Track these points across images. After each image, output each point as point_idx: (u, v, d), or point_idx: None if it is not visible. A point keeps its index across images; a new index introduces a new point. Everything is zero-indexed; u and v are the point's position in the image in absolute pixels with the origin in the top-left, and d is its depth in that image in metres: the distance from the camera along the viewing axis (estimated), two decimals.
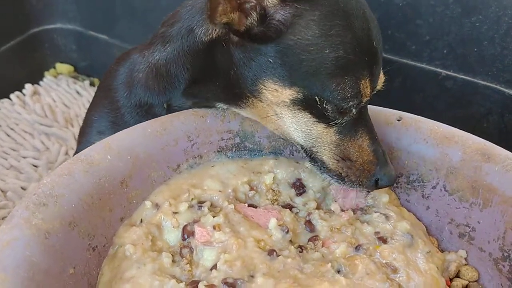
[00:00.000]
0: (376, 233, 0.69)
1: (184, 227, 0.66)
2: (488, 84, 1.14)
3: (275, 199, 0.73)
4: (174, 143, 0.72)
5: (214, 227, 0.66)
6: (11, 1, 1.44)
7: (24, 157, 1.31)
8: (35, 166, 1.28)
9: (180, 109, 0.76)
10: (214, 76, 0.70)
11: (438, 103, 1.20)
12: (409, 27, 1.14)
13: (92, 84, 1.62)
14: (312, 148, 0.68)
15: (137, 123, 0.74)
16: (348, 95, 0.61)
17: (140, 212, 0.69)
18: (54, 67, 1.64)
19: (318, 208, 0.72)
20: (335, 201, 0.74)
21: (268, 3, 0.61)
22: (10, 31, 1.48)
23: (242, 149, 0.77)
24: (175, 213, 0.67)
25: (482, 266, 0.70)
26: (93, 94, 1.53)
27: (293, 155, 0.78)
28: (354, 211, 0.73)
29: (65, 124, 1.43)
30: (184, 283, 0.60)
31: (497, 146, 0.70)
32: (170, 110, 0.77)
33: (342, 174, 0.66)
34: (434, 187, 0.73)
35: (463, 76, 1.15)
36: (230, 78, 0.67)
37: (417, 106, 1.23)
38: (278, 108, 0.66)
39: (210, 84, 0.72)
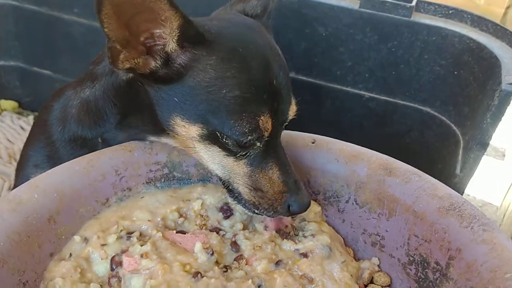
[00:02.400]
0: (297, 249, 0.74)
1: (112, 258, 0.69)
2: (407, 103, 1.24)
3: (204, 224, 0.77)
4: (102, 178, 0.76)
5: (141, 255, 0.69)
6: None
7: None
8: None
9: (115, 141, 0.80)
10: (140, 111, 0.75)
11: (365, 123, 1.30)
12: (333, 54, 1.23)
13: None
14: (228, 179, 0.73)
15: (72, 157, 0.78)
16: (246, 131, 0.66)
17: (69, 246, 0.71)
18: None
19: (244, 228, 0.77)
20: (262, 222, 0.79)
21: (169, 48, 0.66)
22: None
23: (171, 179, 0.81)
24: (103, 245, 0.70)
25: (393, 271, 0.76)
26: None
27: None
28: (279, 230, 0.78)
29: (9, 160, 1.43)
30: None
31: (398, 161, 0.77)
32: (105, 143, 0.81)
33: (256, 203, 0.71)
34: (347, 201, 0.80)
35: (384, 97, 1.25)
36: (152, 113, 0.72)
37: (347, 126, 1.32)
38: (192, 142, 0.71)
39: (138, 118, 0.76)
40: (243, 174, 0.71)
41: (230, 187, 0.73)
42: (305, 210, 0.72)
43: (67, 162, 0.75)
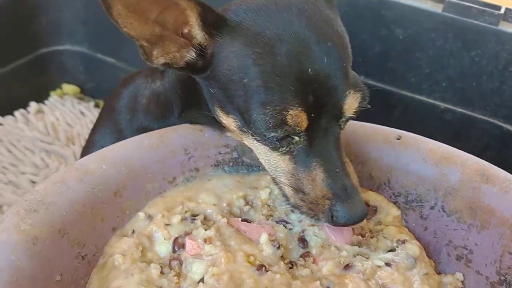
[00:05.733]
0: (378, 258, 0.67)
1: (175, 239, 0.66)
2: (487, 118, 1.14)
3: (270, 215, 0.72)
4: (171, 155, 0.72)
5: (205, 240, 0.65)
6: (22, 21, 1.48)
7: (23, 173, 1.31)
8: (33, 182, 1.28)
9: None
10: (200, 103, 0.72)
11: (438, 135, 1.18)
12: (409, 59, 1.16)
13: (97, 105, 1.64)
14: (275, 176, 0.67)
15: None
16: (271, 125, 0.59)
17: (132, 223, 0.68)
18: (61, 88, 1.66)
19: (313, 225, 0.71)
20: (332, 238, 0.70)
21: (199, 37, 0.61)
22: (20, 50, 1.51)
23: (240, 164, 0.76)
24: (167, 225, 0.67)
25: None
26: (97, 115, 1.56)
27: None
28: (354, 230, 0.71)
29: (67, 143, 1.44)
30: None
31: (496, 167, 0.69)
32: None
33: (298, 206, 0.65)
34: (432, 208, 0.72)
35: (461, 110, 1.16)
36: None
37: None
38: (239, 134, 0.66)
39: (199, 109, 0.73)
40: (288, 171, 0.64)
41: (278, 186, 0.68)
42: (354, 223, 0.61)
43: (136, 136, 0.73)
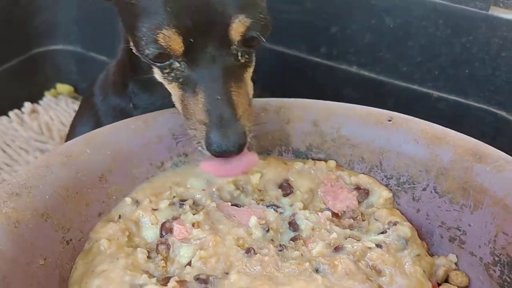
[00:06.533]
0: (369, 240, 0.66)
1: (163, 224, 0.65)
2: (480, 105, 1.13)
3: (261, 199, 0.71)
4: (158, 140, 0.71)
5: (193, 225, 0.64)
6: (16, 21, 1.48)
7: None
8: None
9: (144, 105, 0.79)
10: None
11: None
12: (401, 48, 1.14)
13: None
14: (174, 103, 0.67)
15: None
16: (144, 43, 0.59)
17: (119, 208, 0.67)
18: (55, 87, 1.66)
19: (305, 208, 0.70)
20: (325, 204, 0.72)
21: None
22: (13, 50, 1.51)
23: None
24: (154, 210, 0.66)
25: (473, 271, 0.66)
26: None
27: (282, 155, 0.77)
28: (346, 213, 0.71)
29: (60, 141, 1.44)
30: (156, 278, 0.58)
31: (490, 146, 0.68)
32: (137, 110, 0.80)
33: (188, 131, 0.65)
34: (424, 189, 0.71)
35: (455, 98, 1.14)
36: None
37: None
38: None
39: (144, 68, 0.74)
40: (179, 98, 0.64)
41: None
42: (225, 151, 0.60)
43: (122, 120, 0.72)
